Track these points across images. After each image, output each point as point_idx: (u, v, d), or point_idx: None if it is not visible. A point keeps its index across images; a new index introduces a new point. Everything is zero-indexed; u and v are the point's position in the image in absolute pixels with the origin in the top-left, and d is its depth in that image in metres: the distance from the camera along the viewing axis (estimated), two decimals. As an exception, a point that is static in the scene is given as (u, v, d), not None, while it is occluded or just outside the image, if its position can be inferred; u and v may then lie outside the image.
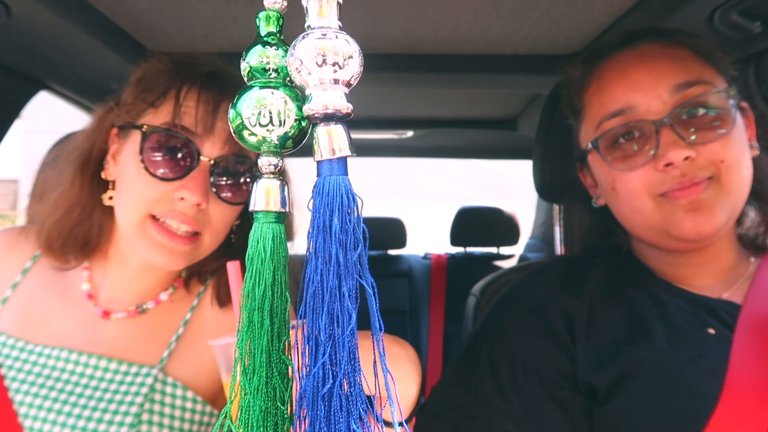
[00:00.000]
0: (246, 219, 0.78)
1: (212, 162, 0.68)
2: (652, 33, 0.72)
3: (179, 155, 0.68)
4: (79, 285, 0.76)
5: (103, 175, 0.74)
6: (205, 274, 0.79)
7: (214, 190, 0.69)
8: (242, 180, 0.71)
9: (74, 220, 0.73)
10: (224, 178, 0.70)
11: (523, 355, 0.68)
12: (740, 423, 0.57)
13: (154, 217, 0.68)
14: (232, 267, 0.53)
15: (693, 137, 0.64)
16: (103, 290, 0.76)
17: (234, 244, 0.78)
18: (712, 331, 0.64)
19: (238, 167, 0.71)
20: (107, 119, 0.74)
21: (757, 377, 0.59)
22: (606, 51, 0.73)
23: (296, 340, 0.31)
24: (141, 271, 0.75)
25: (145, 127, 0.68)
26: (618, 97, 0.68)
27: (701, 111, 0.65)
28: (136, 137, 0.69)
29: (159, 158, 0.67)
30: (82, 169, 0.73)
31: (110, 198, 0.73)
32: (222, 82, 0.71)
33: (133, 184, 0.69)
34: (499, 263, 2.44)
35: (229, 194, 0.70)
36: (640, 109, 0.66)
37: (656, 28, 0.74)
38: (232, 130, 0.32)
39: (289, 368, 0.33)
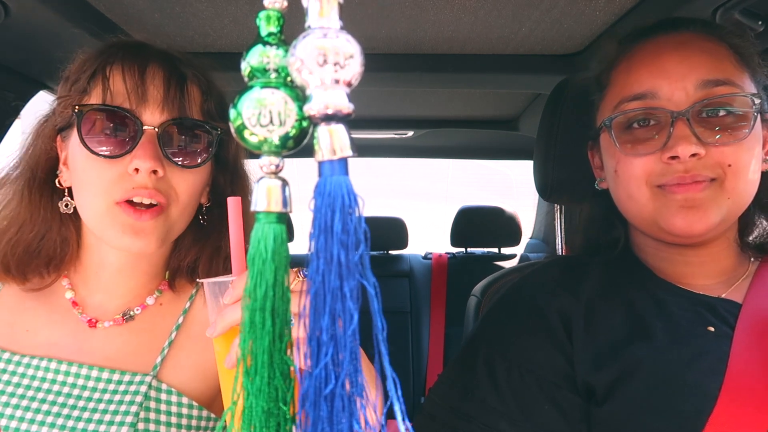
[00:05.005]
0: (216, 199, 0.77)
1: (157, 129, 0.66)
2: (697, 23, 0.71)
3: (121, 130, 0.66)
4: (63, 294, 0.74)
5: (57, 184, 0.72)
6: (190, 271, 0.77)
7: (168, 157, 0.67)
8: (196, 142, 0.69)
9: (29, 237, 0.71)
10: (175, 143, 0.68)
11: (519, 356, 0.68)
12: (739, 422, 0.56)
13: (119, 203, 0.66)
14: (233, 202, 0.51)
15: (707, 137, 0.63)
16: (87, 297, 0.74)
17: (206, 227, 0.76)
18: (712, 329, 0.64)
19: (187, 130, 0.69)
20: (47, 127, 0.72)
21: (757, 376, 0.59)
22: (645, 33, 0.72)
23: (298, 341, 0.31)
24: (121, 271, 0.74)
25: (77, 108, 0.66)
26: (644, 80, 0.67)
27: (721, 112, 0.64)
28: (74, 125, 0.67)
29: (102, 137, 0.65)
30: (29, 183, 0.71)
31: (66, 206, 0.71)
32: (144, 50, 0.69)
33: (86, 174, 0.67)
34: (500, 263, 2.44)
35: (185, 159, 0.68)
36: (662, 96, 0.66)
37: (702, 19, 0.72)
38: (233, 130, 0.32)
39: (291, 369, 0.33)
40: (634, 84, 0.68)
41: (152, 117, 0.67)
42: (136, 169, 0.65)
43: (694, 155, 0.63)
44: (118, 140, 0.65)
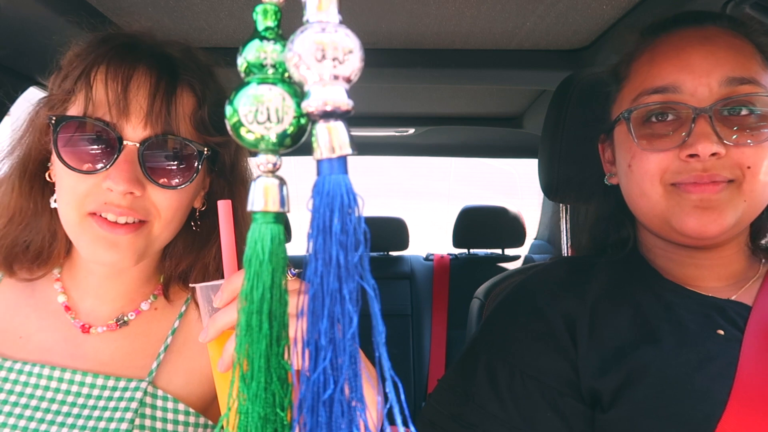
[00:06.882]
0: (212, 205, 0.74)
1: (139, 145, 0.63)
2: (723, 18, 0.69)
3: (99, 144, 0.63)
4: (55, 297, 0.72)
5: (48, 177, 0.69)
6: (183, 279, 0.75)
7: (148, 176, 0.64)
8: (181, 160, 0.66)
9: (18, 230, 0.69)
10: (158, 161, 0.64)
11: (521, 362, 0.67)
12: (749, 428, 0.55)
13: (93, 214, 0.64)
14: (223, 205, 0.50)
15: (728, 136, 0.62)
16: (79, 301, 0.73)
17: (200, 234, 0.74)
18: (721, 332, 0.63)
19: (172, 147, 0.65)
20: (39, 118, 0.69)
21: (767, 381, 0.58)
22: (668, 25, 0.70)
23: (296, 344, 0.30)
24: (108, 277, 0.72)
25: (53, 119, 0.63)
26: (667, 74, 0.66)
27: (744, 112, 0.63)
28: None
29: (77, 150, 0.63)
30: (20, 174, 0.69)
31: (55, 201, 0.68)
32: (135, 50, 0.65)
33: (63, 181, 0.65)
34: (504, 265, 2.42)
35: (166, 178, 0.65)
36: (685, 91, 0.64)
37: (729, 14, 0.71)
38: (229, 128, 0.31)
39: (289, 373, 0.32)
40: (657, 77, 0.66)
41: (134, 132, 0.63)
42: (110, 189, 0.62)
43: (714, 154, 0.61)
44: (95, 154, 0.63)
